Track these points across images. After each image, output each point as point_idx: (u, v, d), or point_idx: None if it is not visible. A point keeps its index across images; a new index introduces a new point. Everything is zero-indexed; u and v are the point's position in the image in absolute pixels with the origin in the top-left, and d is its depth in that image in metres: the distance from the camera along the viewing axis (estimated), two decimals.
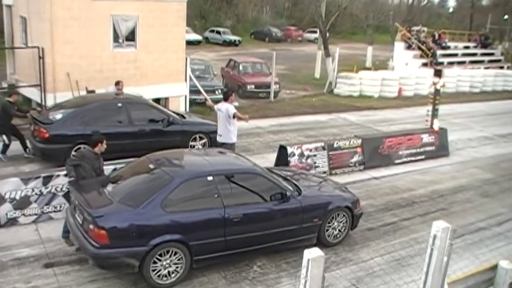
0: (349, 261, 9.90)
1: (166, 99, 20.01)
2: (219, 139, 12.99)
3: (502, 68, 40.64)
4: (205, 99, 13.73)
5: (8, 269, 8.85)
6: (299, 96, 27.32)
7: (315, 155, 14.22)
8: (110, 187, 9.07)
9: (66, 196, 10.61)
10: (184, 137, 14.88)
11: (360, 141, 15.22)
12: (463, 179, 15.38)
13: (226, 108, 12.78)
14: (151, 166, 9.37)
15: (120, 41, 18.38)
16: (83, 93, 17.08)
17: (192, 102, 21.12)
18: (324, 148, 14.43)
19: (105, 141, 9.98)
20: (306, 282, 4.93)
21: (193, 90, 21.04)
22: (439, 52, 38.87)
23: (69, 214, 9.23)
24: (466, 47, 43.39)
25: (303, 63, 39.54)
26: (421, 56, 37.25)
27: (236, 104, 17.78)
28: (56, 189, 10.73)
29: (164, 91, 19.33)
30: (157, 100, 19.41)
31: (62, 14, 16.76)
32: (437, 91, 17.19)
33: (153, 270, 8.37)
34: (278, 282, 9.01)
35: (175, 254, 8.50)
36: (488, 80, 34.65)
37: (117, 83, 15.69)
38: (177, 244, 8.47)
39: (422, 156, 16.66)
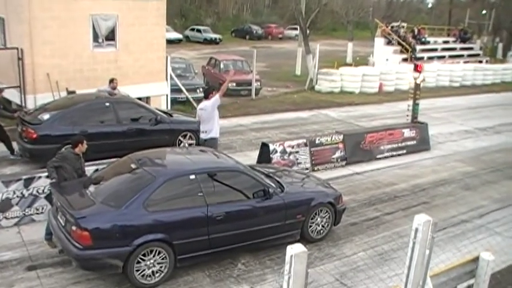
0: (332, 256, 9.94)
1: (148, 98, 19.88)
2: (202, 136, 12.91)
3: (481, 62, 40.99)
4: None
5: None
6: (280, 93, 27.33)
7: (297, 152, 14.25)
8: (92, 188, 9.00)
9: (48, 198, 10.55)
10: (172, 135, 14.88)
11: (341, 137, 15.28)
12: (444, 173, 15.49)
13: (211, 104, 12.62)
14: (133, 166, 9.33)
15: (100, 40, 18.28)
16: (63, 94, 16.97)
17: (174, 101, 21.06)
18: (306, 144, 14.47)
19: (85, 142, 9.90)
20: (289, 278, 4.93)
21: (175, 89, 21.01)
22: (419, 47, 39.12)
23: (52, 216, 9.15)
24: (446, 42, 43.70)
25: (283, 60, 39.58)
26: (401, 52, 37.45)
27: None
28: (37, 191, 10.64)
29: (145, 90, 19.25)
30: (139, 100, 19.36)
31: (40, 14, 16.61)
32: (417, 85, 17.30)
33: (137, 270, 8.35)
34: (263, 279, 9.03)
35: (159, 253, 8.48)
36: (468, 74, 34.93)
37: (111, 81, 15.60)
38: (161, 243, 8.46)
39: (404, 151, 16.77)
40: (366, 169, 15.17)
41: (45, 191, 10.64)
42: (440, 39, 43.79)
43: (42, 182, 10.61)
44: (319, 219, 10.33)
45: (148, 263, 8.43)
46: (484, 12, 56.84)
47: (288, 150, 14.09)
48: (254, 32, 61.59)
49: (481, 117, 24.01)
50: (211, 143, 12.67)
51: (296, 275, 4.93)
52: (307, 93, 27.79)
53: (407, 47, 37.30)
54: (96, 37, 18.20)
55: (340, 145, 15.18)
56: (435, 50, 41.10)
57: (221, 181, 9.30)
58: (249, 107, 22.82)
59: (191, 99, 21.33)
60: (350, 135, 15.72)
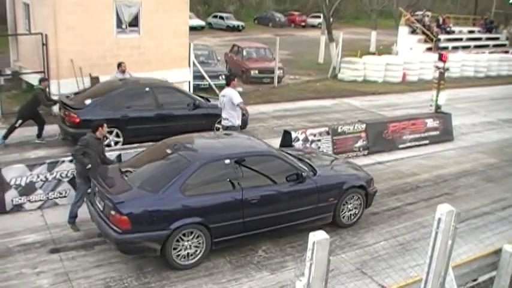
0: (354, 245, 9.96)
1: None
2: (224, 123, 13.04)
3: (506, 52, 40.32)
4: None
5: (14, 255, 8.93)
6: (303, 81, 27.23)
7: (319, 140, 14.23)
8: (128, 173, 9.20)
9: (72, 182, 10.74)
10: (210, 120, 15.04)
11: (364, 126, 15.21)
12: (467, 164, 15.37)
13: (230, 94, 12.81)
14: (169, 151, 9.50)
15: (124, 27, 18.35)
16: (87, 79, 17.12)
17: (196, 88, 21.09)
18: (328, 133, 14.43)
19: (105, 125, 10.10)
20: (311, 265, 4.94)
21: (197, 76, 21.05)
22: (444, 37, 38.69)
23: (89, 201, 9.42)
24: (471, 32, 43.16)
25: (306, 48, 39.37)
26: (425, 41, 37.07)
27: (240, 89, 17.82)
28: (61, 175, 10.78)
29: (168, 77, 19.25)
30: None
31: (64, 0, 16.70)
32: (442, 75, 17.13)
33: (175, 251, 8.60)
34: (283, 266, 9.07)
35: (196, 236, 8.72)
36: (493, 65, 34.45)
37: (119, 65, 15.69)
38: (197, 227, 8.68)
39: (427, 141, 16.64)
40: (388, 159, 15.10)
41: (69, 175, 10.78)
42: (465, 29, 43.28)
43: (66, 166, 10.76)
44: (351, 202, 10.50)
45: (185, 245, 8.67)
46: (511, 1, 55.90)
47: (310, 138, 14.06)
48: (277, 19, 61.25)
49: (505, 108, 23.69)
50: (232, 131, 12.74)
51: (318, 262, 4.95)
52: (330, 81, 27.67)
53: (431, 36, 36.91)
54: (119, 23, 18.27)
55: (363, 134, 15.11)
56: (460, 39, 40.59)
57: (255, 165, 9.45)
58: (271, 95, 22.80)
59: (213, 86, 21.33)
60: (372, 125, 15.64)
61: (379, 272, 8.91)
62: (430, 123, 16.80)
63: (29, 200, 10.56)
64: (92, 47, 17.40)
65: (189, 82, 20.54)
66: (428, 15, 41.65)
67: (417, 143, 16.45)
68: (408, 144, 16.22)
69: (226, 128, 12.89)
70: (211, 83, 21.56)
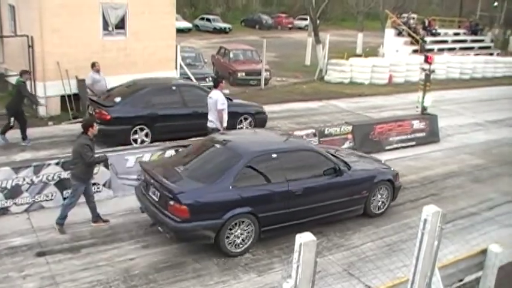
0: (341, 246, 9.98)
1: None
2: (209, 125, 13.06)
3: (491, 54, 40.77)
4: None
5: (1, 258, 8.86)
6: (290, 83, 27.32)
7: None
8: (181, 166, 9.79)
9: (58, 185, 10.71)
10: (233, 117, 15.26)
11: (350, 127, 15.28)
12: (453, 165, 15.46)
13: (216, 97, 12.81)
14: (218, 146, 10.24)
15: (110, 29, 18.32)
16: (73, 82, 17.06)
17: None
18: (315, 135, 14.47)
19: (96, 125, 10.13)
20: (298, 267, 4.95)
21: (184, 78, 20.99)
22: (429, 39, 38.92)
23: (140, 193, 9.99)
24: (456, 34, 43.45)
25: (293, 50, 39.48)
26: (412, 43, 37.28)
27: (227, 91, 17.81)
28: (47, 178, 10.71)
29: None
30: None
31: (50, 2, 16.66)
32: (427, 77, 17.25)
33: (227, 239, 9.19)
34: (270, 268, 9.07)
35: (246, 225, 9.31)
36: (478, 67, 34.78)
37: (93, 65, 15.63)
38: (248, 216, 9.27)
39: (413, 143, 16.75)
40: None
41: (55, 178, 10.73)
42: (451, 31, 43.56)
43: (52, 169, 10.72)
44: (379, 195, 11.26)
45: (237, 233, 9.26)
46: (495, 4, 56.35)
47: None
48: (264, 21, 61.40)
49: (491, 110, 23.89)
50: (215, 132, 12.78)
51: (305, 263, 4.96)
52: (317, 83, 27.78)
53: (417, 38, 37.12)
54: (106, 25, 18.24)
55: (349, 136, 15.19)
56: (446, 41, 40.88)
57: (298, 159, 10.28)
58: (258, 97, 22.71)
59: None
60: (359, 126, 15.70)
61: (366, 273, 8.93)
62: (417, 124, 16.90)
63: (15, 203, 10.46)
64: (78, 49, 17.32)
65: None
66: (414, 18, 41.94)
67: (404, 145, 16.55)
68: (395, 145, 16.31)
69: (212, 130, 12.89)
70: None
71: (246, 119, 16.31)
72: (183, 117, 14.99)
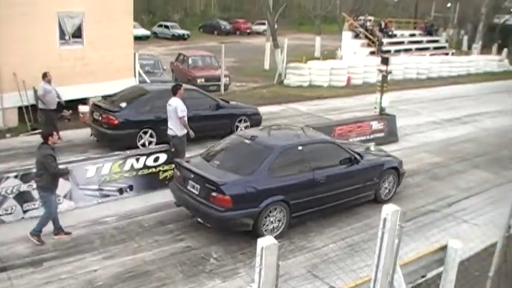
0: (303, 248, 10.04)
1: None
2: (170, 132, 12.99)
3: (447, 54, 41.60)
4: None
5: None
6: (249, 88, 27.38)
7: None
8: (216, 161, 10.69)
9: (17, 198, 10.52)
10: (232, 119, 16.77)
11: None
12: (412, 164, 15.63)
13: (176, 104, 12.75)
14: (247, 141, 11.02)
15: (67, 38, 18.10)
16: (30, 93, 16.80)
17: None
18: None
19: (55, 134, 10.13)
20: (260, 270, 4.95)
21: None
22: (386, 40, 39.49)
23: (176, 188, 10.77)
24: (412, 35, 44.25)
25: (252, 55, 39.62)
26: (369, 45, 37.78)
27: None
28: (6, 192, 10.50)
29: (113, 88, 19.01)
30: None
31: (5, 12, 16.34)
32: (384, 78, 17.50)
33: (263, 226, 10.00)
34: (235, 273, 9.07)
35: (279, 212, 10.17)
36: (434, 67, 35.46)
37: (45, 75, 15.39)
38: (281, 203, 10.15)
39: (373, 143, 16.88)
40: None
41: (14, 191, 10.52)
42: (407, 32, 44.32)
43: (11, 182, 10.53)
44: (387, 181, 12.42)
45: (271, 220, 10.12)
46: (449, 5, 57.52)
47: None
48: (222, 27, 61.56)
49: (447, 108, 24.36)
50: (176, 141, 12.73)
51: (267, 267, 4.95)
52: (276, 87, 27.88)
53: (374, 40, 37.62)
54: (62, 35, 18.00)
55: None
56: (402, 43, 41.59)
57: (320, 150, 11.30)
58: None
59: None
60: (319, 129, 15.61)
61: (330, 274, 8.98)
62: (375, 125, 17.13)
63: None
64: (35, 59, 17.00)
65: None
66: (370, 20, 42.50)
67: None
68: None
69: (172, 137, 12.84)
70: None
71: (243, 120, 17.17)
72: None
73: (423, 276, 8.43)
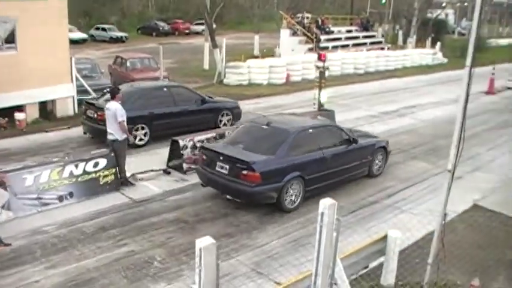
0: (248, 246, 10.07)
1: (53, 101, 19.40)
2: (109, 137, 12.79)
3: (383, 49, 42.44)
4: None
5: None
6: None
7: None
8: (240, 145, 12.06)
9: None
10: (216, 113, 17.94)
11: None
12: None
13: (114, 109, 12.57)
14: (264, 127, 12.40)
15: (0, 43, 17.63)
16: None
17: (81, 103, 20.57)
18: (216, 138, 14.49)
19: None
20: (200, 271, 4.98)
21: (81, 91, 20.53)
22: (324, 37, 39.99)
23: (203, 170, 12.07)
24: (349, 31, 44.97)
25: (191, 55, 39.50)
26: (307, 42, 38.19)
27: None
28: None
29: (50, 93, 18.76)
30: (43, 103, 18.84)
31: None
32: (322, 74, 17.73)
33: (284, 200, 11.49)
34: (179, 275, 9.02)
35: (297, 186, 11.70)
36: (371, 61, 36.15)
37: None
38: (298, 179, 11.67)
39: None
40: None
41: None
42: (343, 29, 45.03)
43: None
44: (378, 159, 14.24)
45: (290, 193, 11.63)
46: (383, 1, 58.70)
47: (199, 144, 13.97)
48: (161, 28, 61.15)
49: (385, 101, 24.87)
50: (117, 145, 12.58)
51: (207, 267, 4.98)
52: (216, 87, 27.84)
53: (312, 37, 38.04)
54: None
55: None
56: (339, 39, 42.18)
57: (325, 133, 12.97)
58: None
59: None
60: None
61: (273, 270, 9.08)
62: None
63: None
64: None
65: (73, 97, 20.03)
66: (308, 17, 42.98)
67: None
68: None
69: (112, 141, 12.69)
70: (96, 96, 21.09)
71: (225, 114, 18.30)
72: (175, 114, 16.63)
73: (366, 267, 8.63)
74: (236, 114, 18.64)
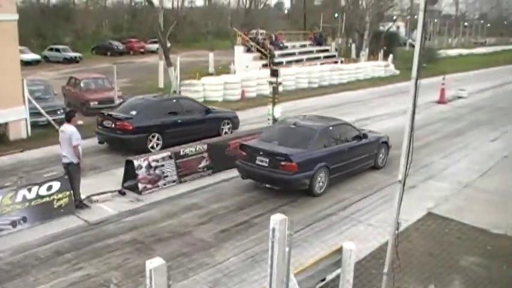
0: (205, 265, 10.02)
1: (6, 124, 19.04)
2: (64, 160, 12.58)
3: (336, 62, 43.00)
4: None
5: None
6: None
7: (162, 165, 14.20)
8: (275, 141, 14.20)
9: None
10: (218, 122, 19.68)
11: (205, 146, 15.42)
12: None
13: (69, 132, 12.36)
14: (292, 126, 14.71)
15: None
16: None
17: (34, 125, 20.29)
18: (170, 157, 14.45)
19: None
20: None
21: (34, 113, 20.23)
22: (278, 52, 40.33)
23: (243, 165, 14.12)
24: (303, 46, 45.47)
25: (146, 74, 39.34)
26: (261, 58, 38.45)
27: (80, 122, 17.38)
28: None
29: (1, 116, 18.41)
30: None
31: None
32: (275, 89, 17.90)
33: (314, 186, 13.65)
34: None
35: (324, 174, 13.93)
36: (325, 75, 36.60)
37: None
38: (324, 168, 13.88)
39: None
40: (232, 175, 15.25)
41: None
42: (297, 44, 45.50)
43: None
44: (381, 152, 16.51)
45: (318, 180, 13.82)
46: (336, 15, 59.57)
47: (153, 164, 13.99)
48: (115, 47, 60.75)
49: (340, 114, 24.89)
50: (72, 168, 12.41)
51: None
52: None
53: (265, 53, 38.34)
54: None
55: (205, 154, 15.32)
56: (293, 54, 42.60)
57: (341, 130, 15.06)
58: None
59: (52, 122, 20.61)
60: (214, 144, 15.89)
61: (232, 287, 9.10)
62: None
63: None
64: None
65: (26, 120, 19.72)
66: (262, 33, 43.31)
67: None
68: None
69: (67, 164, 12.51)
70: (50, 118, 20.81)
71: (226, 123, 20.02)
72: (184, 123, 18.26)
73: (323, 280, 8.69)
74: (235, 123, 20.43)
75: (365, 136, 15.52)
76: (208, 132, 18.12)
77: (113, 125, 17.30)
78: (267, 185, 13.77)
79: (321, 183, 13.87)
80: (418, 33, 7.41)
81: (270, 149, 13.69)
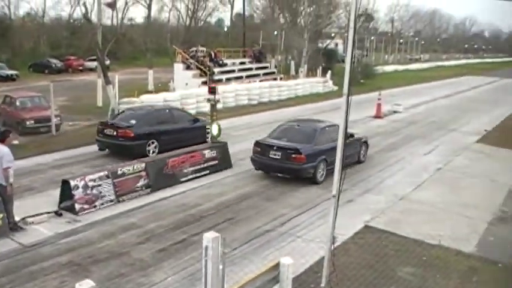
0: (142, 285, 9.95)
1: None
2: None
3: (275, 79, 43.45)
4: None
5: None
6: (83, 126, 26.57)
7: (99, 185, 13.99)
8: (284, 138, 17.19)
9: None
10: (204, 130, 21.43)
11: (143, 165, 15.31)
12: (246, 188, 16.26)
13: (2, 153, 12.03)
14: (297, 127, 18.09)
15: None
16: None
17: None
18: (108, 176, 14.27)
19: None
20: None
21: None
22: (217, 69, 40.51)
23: (257, 159, 17.15)
24: (242, 63, 45.78)
25: (85, 92, 38.72)
26: (200, 75, 38.54)
27: (16, 142, 17.02)
28: None
29: None
30: None
31: None
32: (213, 107, 18.06)
33: (317, 175, 16.62)
34: None
35: (323, 165, 16.83)
36: (264, 92, 37.00)
37: None
38: (324, 160, 16.73)
39: (207, 171, 17.29)
40: (171, 193, 15.33)
41: None
42: (237, 61, 45.79)
43: None
44: (363, 149, 19.77)
45: (319, 170, 16.79)
46: (275, 33, 60.20)
47: (90, 184, 13.77)
48: (53, 65, 59.58)
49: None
50: (4, 190, 12.08)
51: None
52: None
53: (205, 70, 38.45)
54: None
55: (143, 173, 15.19)
56: (233, 71, 42.87)
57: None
58: (50, 144, 21.88)
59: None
60: (152, 163, 15.80)
61: None
62: (208, 153, 17.47)
63: None
64: None
65: None
66: (202, 51, 43.40)
67: (198, 174, 17.00)
68: (190, 176, 16.68)
69: None
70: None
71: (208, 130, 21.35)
72: (177, 131, 20.07)
73: None
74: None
75: (352, 135, 18.11)
76: (197, 139, 19.96)
77: (115, 133, 19.11)
78: (279, 174, 16.81)
79: (321, 173, 16.79)
80: (348, 52, 7.67)
81: (282, 144, 16.62)
